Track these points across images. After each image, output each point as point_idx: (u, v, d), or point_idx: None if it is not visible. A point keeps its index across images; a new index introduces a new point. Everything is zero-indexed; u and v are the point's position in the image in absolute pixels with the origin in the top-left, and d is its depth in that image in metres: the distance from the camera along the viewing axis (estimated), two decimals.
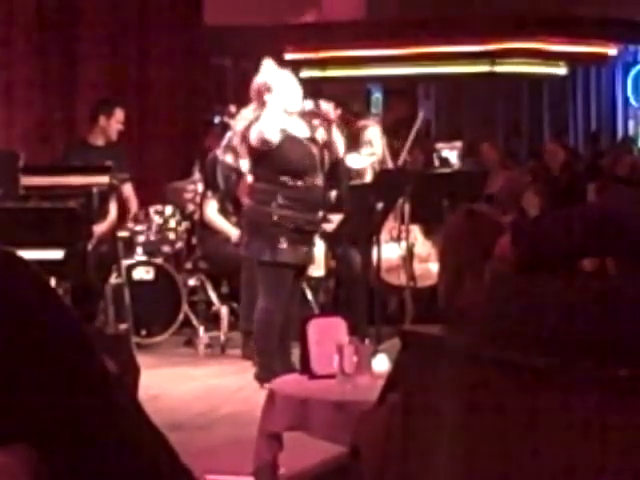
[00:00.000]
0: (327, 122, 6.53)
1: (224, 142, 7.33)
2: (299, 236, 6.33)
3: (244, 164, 6.80)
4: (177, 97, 10.31)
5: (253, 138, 6.25)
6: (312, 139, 6.45)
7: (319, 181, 6.41)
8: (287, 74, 6.44)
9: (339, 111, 6.64)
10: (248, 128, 6.31)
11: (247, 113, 6.46)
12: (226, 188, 7.51)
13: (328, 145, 6.51)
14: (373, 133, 7.86)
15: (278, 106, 6.26)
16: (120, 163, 7.63)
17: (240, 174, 6.98)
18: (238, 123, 6.55)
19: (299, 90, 6.41)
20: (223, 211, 7.71)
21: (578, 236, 2.37)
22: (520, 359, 2.27)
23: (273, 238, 6.21)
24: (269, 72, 6.40)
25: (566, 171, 10.18)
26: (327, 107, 6.57)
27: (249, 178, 6.66)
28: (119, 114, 8.10)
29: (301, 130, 6.40)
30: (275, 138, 6.19)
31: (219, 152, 7.59)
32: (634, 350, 2.17)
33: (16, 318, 1.20)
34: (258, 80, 6.38)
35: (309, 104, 6.48)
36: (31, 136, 9.04)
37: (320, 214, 6.60)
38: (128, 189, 8.19)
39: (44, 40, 9.32)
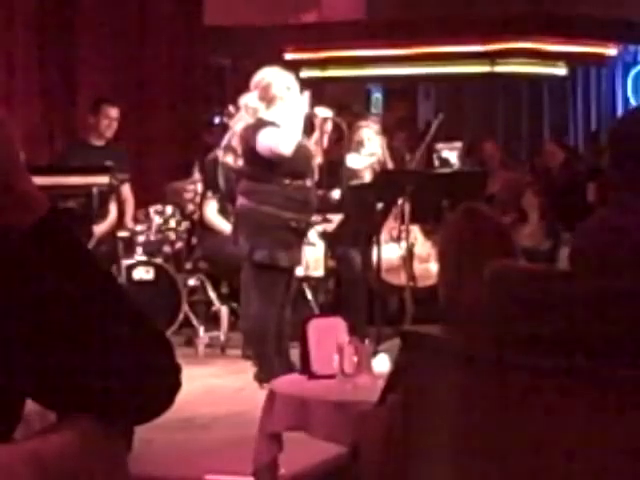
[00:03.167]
0: (321, 131, 6.53)
1: (224, 143, 7.32)
2: (295, 238, 6.34)
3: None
4: (177, 97, 10.31)
5: (262, 145, 6.20)
6: (307, 140, 6.46)
7: (314, 182, 6.44)
8: (293, 82, 6.41)
9: (332, 122, 6.65)
10: (254, 130, 6.27)
11: (246, 114, 6.44)
12: (226, 189, 7.50)
13: (319, 147, 6.52)
14: (367, 133, 7.87)
15: (296, 120, 6.23)
16: (120, 163, 7.64)
17: (239, 174, 6.97)
18: (237, 123, 6.54)
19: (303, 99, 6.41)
20: (223, 211, 7.71)
21: None
22: (520, 359, 2.27)
23: (273, 241, 6.20)
24: (283, 78, 6.36)
25: (565, 171, 10.17)
26: (324, 114, 6.57)
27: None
28: (106, 111, 8.12)
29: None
30: (289, 153, 6.16)
31: (219, 153, 7.59)
32: (634, 350, 2.17)
33: None
34: (272, 83, 6.32)
35: (305, 102, 6.46)
36: (31, 136, 9.03)
37: (315, 215, 6.64)
38: (126, 190, 8.19)
39: (44, 40, 9.31)
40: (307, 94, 6.39)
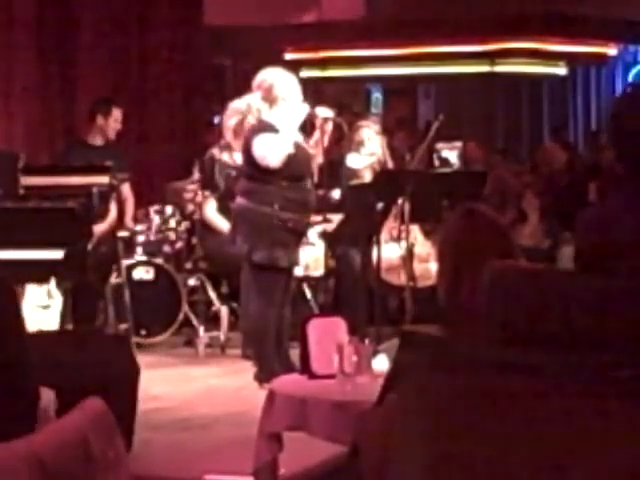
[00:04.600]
0: (321, 131, 6.53)
1: (222, 142, 7.34)
2: (294, 238, 6.35)
3: (238, 157, 6.82)
4: (177, 97, 10.31)
5: (256, 154, 6.20)
6: (307, 142, 6.46)
7: (312, 183, 6.45)
8: (295, 83, 6.40)
9: (332, 122, 6.64)
10: (253, 133, 6.27)
11: (239, 104, 6.44)
12: (226, 187, 7.51)
13: (319, 147, 6.52)
14: (367, 133, 7.88)
15: (293, 125, 6.24)
16: (119, 163, 7.63)
17: (238, 172, 6.97)
18: (230, 119, 6.54)
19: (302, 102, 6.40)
20: (223, 210, 7.70)
21: None
22: (520, 359, 2.27)
23: (272, 242, 6.20)
24: (284, 81, 6.35)
25: (566, 170, 10.17)
26: (325, 114, 6.56)
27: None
28: (116, 113, 8.11)
29: (299, 134, 6.41)
30: (277, 165, 6.17)
31: (215, 151, 7.60)
32: (634, 350, 2.17)
33: None
34: (275, 84, 6.32)
35: (305, 108, 6.44)
36: (31, 136, 9.03)
37: (315, 215, 6.64)
38: (126, 189, 8.19)
39: (44, 40, 9.31)
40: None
